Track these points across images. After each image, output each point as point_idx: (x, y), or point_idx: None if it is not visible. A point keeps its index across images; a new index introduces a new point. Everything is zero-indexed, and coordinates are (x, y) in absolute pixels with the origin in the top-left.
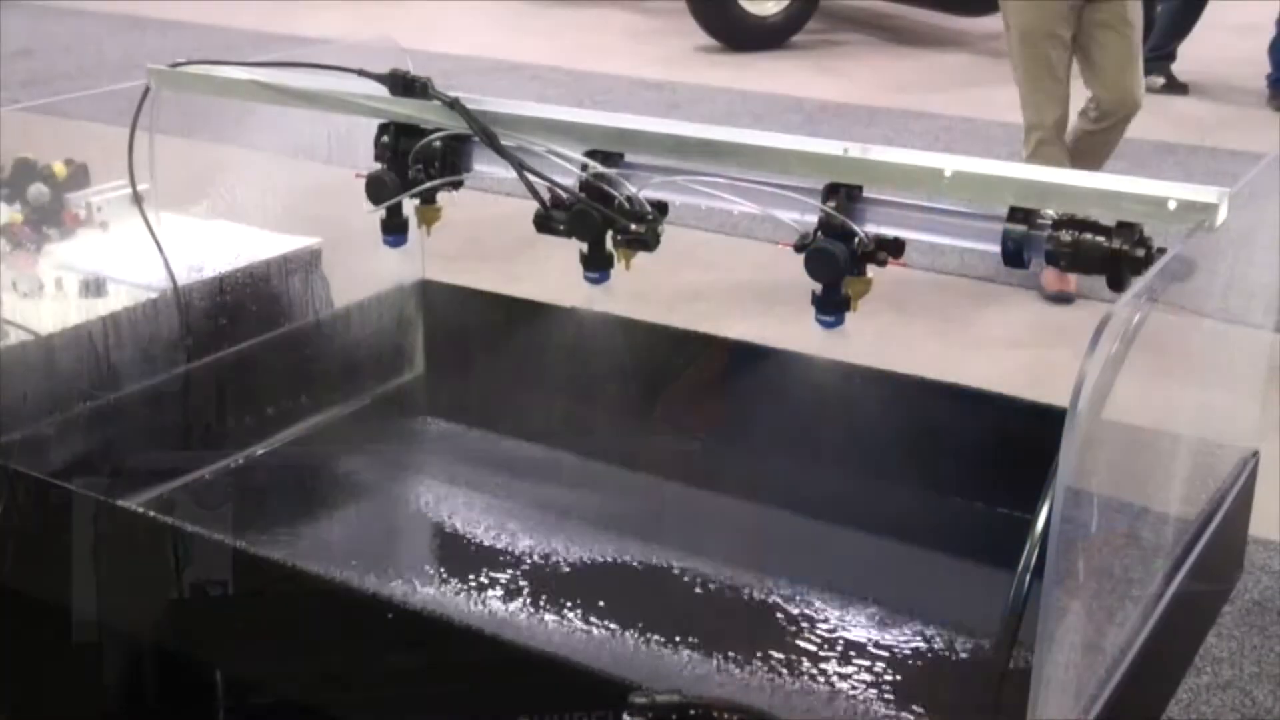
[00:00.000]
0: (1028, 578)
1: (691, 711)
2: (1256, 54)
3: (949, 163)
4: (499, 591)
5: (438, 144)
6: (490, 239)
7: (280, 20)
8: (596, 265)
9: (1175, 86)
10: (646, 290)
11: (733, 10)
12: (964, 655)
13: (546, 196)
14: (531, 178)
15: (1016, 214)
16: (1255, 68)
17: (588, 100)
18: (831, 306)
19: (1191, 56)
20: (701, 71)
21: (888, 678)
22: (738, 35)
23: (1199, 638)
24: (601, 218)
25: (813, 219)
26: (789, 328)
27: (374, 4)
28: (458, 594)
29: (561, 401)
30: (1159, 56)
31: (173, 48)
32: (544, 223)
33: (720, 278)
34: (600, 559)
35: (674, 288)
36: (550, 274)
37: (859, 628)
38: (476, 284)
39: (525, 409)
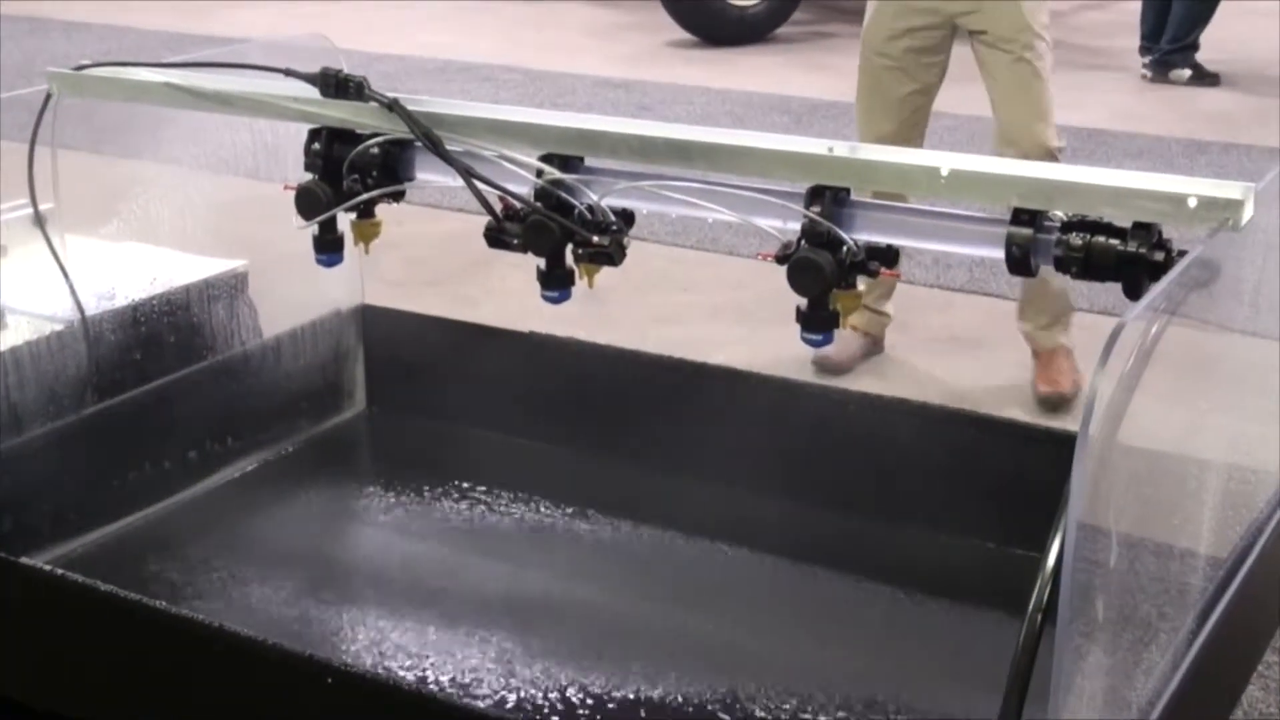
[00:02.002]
0: (1038, 619)
1: None
2: None
3: (946, 161)
4: (443, 653)
5: (375, 150)
6: (440, 259)
7: (197, 20)
8: (555, 283)
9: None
10: (617, 314)
11: (710, 1)
12: (970, 706)
13: (498, 207)
14: (480, 186)
15: (1021, 216)
16: None
17: (546, 103)
18: (818, 323)
19: (1217, 44)
20: (675, 69)
21: None
22: (715, 29)
23: (1238, 689)
24: (559, 229)
25: (796, 226)
26: (779, 349)
27: (306, 3)
28: (398, 656)
29: (520, 439)
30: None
31: (78, 52)
32: (495, 237)
33: (699, 299)
34: (562, 614)
35: (647, 310)
36: (509, 297)
37: (856, 678)
38: (424, 310)
39: (479, 449)
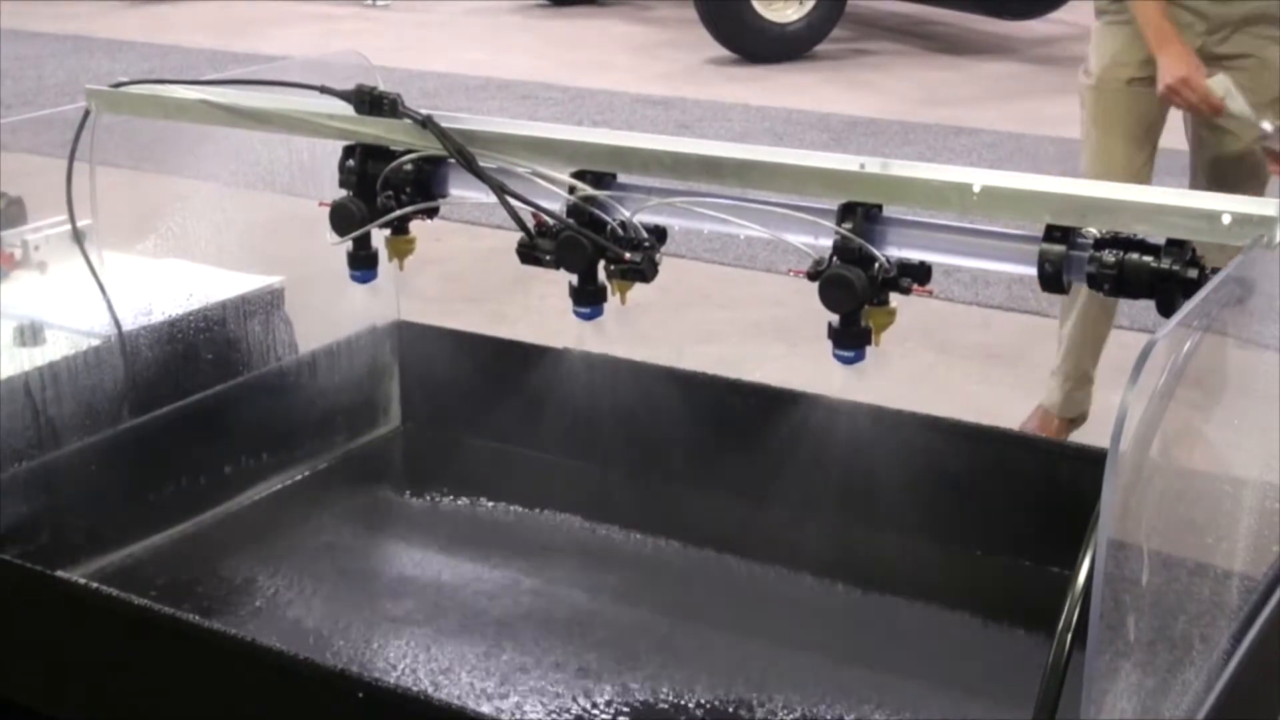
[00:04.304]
0: (1068, 638)
1: None
2: None
3: (978, 177)
4: (475, 668)
5: (409, 167)
6: (477, 276)
7: (241, 39)
8: (587, 299)
9: None
10: (655, 332)
11: (748, 17)
12: None
13: (531, 223)
14: (513, 202)
15: (1054, 233)
16: None
17: (585, 120)
18: (850, 340)
19: None
20: (714, 86)
21: None
22: (754, 46)
23: (1274, 710)
24: (591, 246)
25: (828, 243)
26: (818, 366)
27: (348, 20)
28: (430, 671)
29: (555, 456)
30: None
31: (121, 70)
32: (528, 253)
33: (738, 316)
34: (596, 631)
35: (686, 328)
36: (547, 314)
37: (888, 695)
38: (461, 326)
39: (514, 465)
